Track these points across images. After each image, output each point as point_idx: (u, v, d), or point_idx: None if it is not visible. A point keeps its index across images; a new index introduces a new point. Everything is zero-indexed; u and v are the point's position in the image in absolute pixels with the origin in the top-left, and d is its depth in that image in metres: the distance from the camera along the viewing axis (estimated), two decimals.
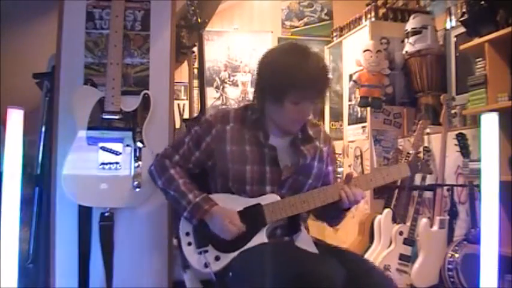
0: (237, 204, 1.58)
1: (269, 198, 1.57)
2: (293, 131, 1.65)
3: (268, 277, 1.34)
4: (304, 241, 1.58)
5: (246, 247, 1.52)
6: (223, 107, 4.71)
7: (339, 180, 1.73)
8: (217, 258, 1.52)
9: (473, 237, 2.68)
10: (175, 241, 1.78)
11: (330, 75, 1.64)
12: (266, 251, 1.46)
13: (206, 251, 1.54)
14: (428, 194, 3.20)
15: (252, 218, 1.55)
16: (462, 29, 3.23)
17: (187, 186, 1.62)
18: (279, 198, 1.57)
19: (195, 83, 3.18)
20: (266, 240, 1.53)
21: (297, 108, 1.56)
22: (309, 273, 1.32)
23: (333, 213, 1.67)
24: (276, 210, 1.55)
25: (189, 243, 1.58)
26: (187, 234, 1.59)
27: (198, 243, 1.56)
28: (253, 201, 1.57)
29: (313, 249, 1.55)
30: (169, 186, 1.64)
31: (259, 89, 1.64)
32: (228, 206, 1.57)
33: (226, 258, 1.52)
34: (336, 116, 4.48)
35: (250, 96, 4.74)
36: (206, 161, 1.67)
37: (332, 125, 4.56)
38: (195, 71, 3.15)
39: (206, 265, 1.52)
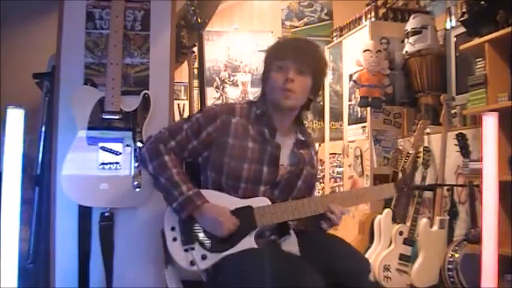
0: (227, 203, 1.55)
1: (260, 201, 1.56)
2: (284, 103, 1.59)
3: (255, 285, 1.34)
4: (290, 245, 1.56)
5: (234, 249, 1.50)
6: None
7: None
8: (203, 257, 1.49)
9: (473, 237, 2.68)
10: None
11: (320, 52, 1.69)
12: (253, 260, 1.43)
13: (193, 249, 1.50)
14: (428, 194, 3.20)
15: (242, 220, 1.52)
16: (462, 29, 3.23)
17: (181, 177, 1.56)
18: (269, 202, 1.56)
19: (195, 83, 3.18)
20: (254, 244, 1.51)
21: (281, 74, 1.57)
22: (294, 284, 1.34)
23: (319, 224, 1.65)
24: (266, 215, 1.54)
25: (175, 239, 1.53)
26: (173, 229, 1.54)
27: (185, 239, 1.52)
28: (244, 203, 1.55)
29: (296, 252, 1.54)
30: (161, 173, 1.58)
31: (262, 76, 1.69)
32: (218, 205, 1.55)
33: (213, 258, 1.49)
34: (336, 116, 4.48)
35: (251, 96, 4.75)
36: (202, 152, 1.62)
37: (332, 125, 4.56)
38: (195, 71, 3.15)
39: (192, 263, 1.48)
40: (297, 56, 1.58)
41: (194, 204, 1.52)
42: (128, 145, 2.00)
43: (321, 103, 4.72)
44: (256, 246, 1.51)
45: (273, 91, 1.60)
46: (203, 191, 1.57)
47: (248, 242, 1.51)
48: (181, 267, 1.50)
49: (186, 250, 1.50)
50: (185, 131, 1.61)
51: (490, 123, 1.65)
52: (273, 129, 1.62)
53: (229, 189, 1.58)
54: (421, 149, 3.18)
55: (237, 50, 4.78)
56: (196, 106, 3.13)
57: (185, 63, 3.46)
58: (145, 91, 2.07)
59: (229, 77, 4.78)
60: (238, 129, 1.60)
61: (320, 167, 4.62)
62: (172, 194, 1.54)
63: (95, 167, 1.97)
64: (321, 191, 4.52)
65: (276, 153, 1.60)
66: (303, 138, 1.67)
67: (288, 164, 1.64)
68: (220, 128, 1.59)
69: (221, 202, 1.55)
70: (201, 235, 1.52)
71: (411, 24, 3.69)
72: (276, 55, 1.62)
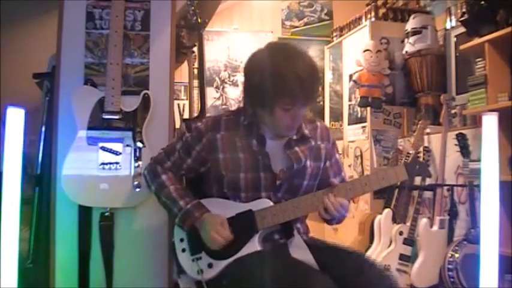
0: (229, 209, 1.56)
1: (261, 204, 1.55)
2: (288, 134, 1.60)
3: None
4: (297, 246, 1.55)
5: (238, 254, 1.51)
6: (224, 107, 4.71)
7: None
8: (210, 266, 1.52)
9: (473, 237, 2.68)
10: None
11: (319, 75, 1.57)
12: (258, 263, 1.44)
13: (199, 258, 1.53)
14: (428, 194, 3.20)
15: (244, 224, 1.53)
16: (462, 29, 3.23)
17: (179, 193, 1.62)
18: (271, 203, 1.55)
19: (195, 83, 3.18)
20: (258, 247, 1.51)
21: (289, 114, 1.51)
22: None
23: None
24: (267, 217, 1.53)
25: (183, 250, 1.58)
26: (182, 240, 1.59)
27: (192, 250, 1.56)
28: (245, 207, 1.56)
29: (306, 254, 1.51)
30: (160, 192, 1.64)
31: (249, 95, 1.61)
32: (221, 212, 1.56)
33: (219, 265, 1.51)
34: (336, 116, 4.48)
35: None
36: (199, 168, 1.67)
37: (332, 125, 4.56)
38: (195, 71, 3.15)
39: (199, 272, 1.51)
40: (306, 96, 1.50)
41: (193, 216, 1.56)
42: (128, 145, 2.00)
43: (321, 103, 4.72)
44: (260, 249, 1.51)
45: (277, 126, 1.56)
46: (206, 200, 1.60)
47: (252, 246, 1.51)
48: (191, 277, 1.55)
49: (193, 260, 1.54)
50: (178, 151, 1.67)
51: (490, 123, 1.64)
52: (261, 138, 1.60)
53: (233, 198, 1.60)
54: (421, 149, 3.18)
55: (237, 50, 4.78)
56: (196, 106, 3.12)
57: (185, 63, 3.46)
58: (145, 91, 2.07)
59: (229, 77, 4.77)
60: (225, 143, 1.60)
61: None
62: (173, 211, 1.60)
63: (95, 167, 1.97)
64: None
65: (266, 162, 1.58)
66: (294, 137, 1.62)
67: (286, 167, 1.60)
68: (208, 146, 1.62)
69: (224, 208, 1.57)
70: (206, 244, 1.54)
71: (411, 24, 3.70)
72: (284, 93, 1.47)
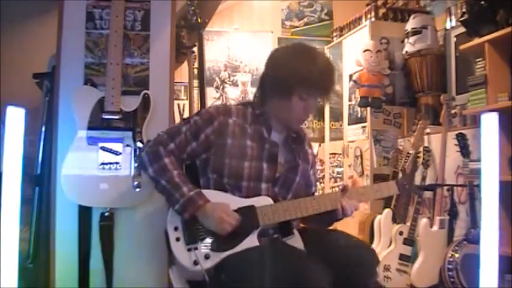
0: (229, 203, 1.55)
1: (262, 201, 1.56)
2: (296, 127, 1.69)
3: (259, 283, 1.34)
4: (295, 244, 1.57)
5: (236, 248, 1.50)
6: None
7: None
8: (207, 257, 1.49)
9: (473, 237, 2.68)
10: None
11: (335, 77, 1.71)
12: (258, 258, 1.44)
13: (196, 248, 1.50)
14: (428, 194, 3.20)
15: (245, 219, 1.52)
16: (462, 29, 3.23)
17: (182, 178, 1.57)
18: (271, 201, 1.57)
19: (195, 83, 3.18)
20: (257, 243, 1.51)
21: (304, 104, 1.61)
22: (299, 281, 1.34)
23: (324, 221, 1.70)
24: (269, 214, 1.54)
25: (178, 239, 1.53)
26: (176, 228, 1.54)
27: (188, 239, 1.52)
28: (246, 202, 1.55)
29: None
30: (161, 176, 1.58)
31: (267, 84, 1.66)
32: None
33: (217, 257, 1.49)
34: (336, 116, 4.48)
35: (250, 96, 4.72)
36: (201, 153, 1.63)
37: (332, 125, 4.56)
38: (195, 71, 3.15)
39: (196, 263, 1.48)
40: (324, 92, 1.65)
41: (196, 204, 1.53)
42: (128, 145, 2.00)
43: (321, 103, 4.72)
44: (258, 244, 1.52)
45: (289, 116, 1.64)
46: (205, 191, 1.58)
47: (251, 241, 1.51)
48: (184, 267, 1.50)
49: (189, 250, 1.51)
50: (184, 133, 1.63)
51: (490, 123, 1.64)
52: (269, 128, 1.65)
53: (232, 189, 1.59)
54: (421, 149, 3.18)
55: (237, 50, 4.78)
56: (196, 106, 3.13)
57: (185, 63, 3.46)
58: (145, 91, 2.07)
59: (229, 77, 4.77)
60: (235, 129, 1.62)
61: (320, 167, 4.62)
62: (173, 196, 1.55)
63: (95, 167, 1.97)
64: (321, 191, 4.52)
65: (274, 151, 1.63)
66: (294, 135, 1.71)
67: (284, 161, 1.67)
68: (218, 129, 1.61)
69: (223, 202, 1.56)
70: (204, 235, 1.52)
71: (411, 24, 3.70)
72: (304, 82, 1.57)
